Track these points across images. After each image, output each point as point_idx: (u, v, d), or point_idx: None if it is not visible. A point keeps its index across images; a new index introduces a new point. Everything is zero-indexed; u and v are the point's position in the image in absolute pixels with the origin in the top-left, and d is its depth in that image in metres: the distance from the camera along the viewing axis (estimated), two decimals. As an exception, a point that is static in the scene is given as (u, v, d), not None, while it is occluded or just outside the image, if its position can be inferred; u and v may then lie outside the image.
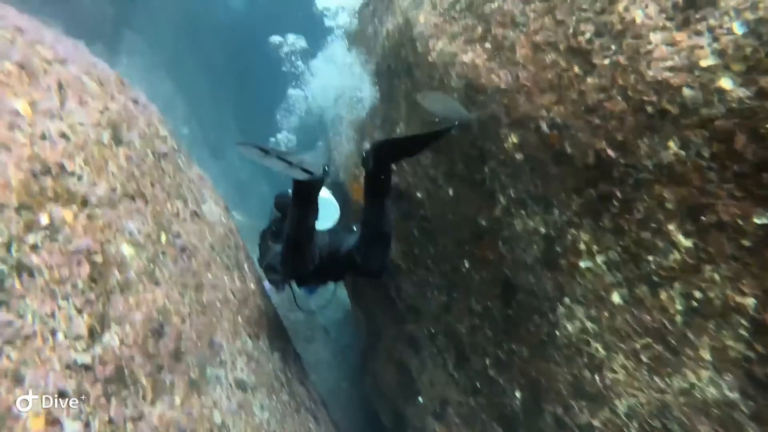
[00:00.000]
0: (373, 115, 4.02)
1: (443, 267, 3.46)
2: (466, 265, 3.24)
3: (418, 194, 3.43)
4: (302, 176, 2.34)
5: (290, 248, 2.79)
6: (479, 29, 2.75)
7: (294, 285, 3.38)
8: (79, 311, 1.81)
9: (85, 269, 1.88)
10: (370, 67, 3.93)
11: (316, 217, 2.69)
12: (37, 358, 1.53)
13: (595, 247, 2.31)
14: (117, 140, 2.37)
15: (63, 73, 2.27)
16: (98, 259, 1.96)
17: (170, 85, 11.91)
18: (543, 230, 2.57)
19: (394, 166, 2.68)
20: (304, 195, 2.55)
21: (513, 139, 2.61)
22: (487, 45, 2.70)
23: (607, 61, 2.13)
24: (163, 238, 2.46)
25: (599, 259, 2.30)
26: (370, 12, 4.24)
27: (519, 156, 2.59)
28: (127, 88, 3.00)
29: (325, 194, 3.16)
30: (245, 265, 3.37)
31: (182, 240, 2.60)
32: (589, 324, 2.39)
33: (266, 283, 3.65)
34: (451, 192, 3.18)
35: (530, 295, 2.75)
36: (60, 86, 2.17)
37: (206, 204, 3.12)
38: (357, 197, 4.13)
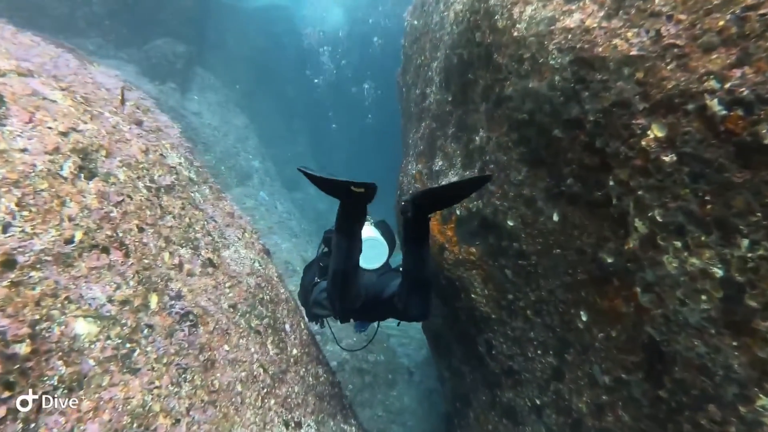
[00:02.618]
0: (442, 123, 3.21)
1: (549, 319, 2.54)
2: (584, 319, 2.30)
3: (510, 222, 2.55)
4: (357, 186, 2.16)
5: (336, 283, 2.55)
6: (589, -23, 1.89)
7: (336, 322, 3.11)
8: (-28, 441, 1.14)
9: (-7, 369, 1.23)
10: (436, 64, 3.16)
11: (360, 251, 2.52)
12: None
13: (835, 304, 1.32)
14: (87, 171, 1.74)
15: (14, 86, 1.70)
16: (22, 348, 1.29)
17: (243, 119, 11.90)
18: (719, 272, 1.60)
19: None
20: (351, 209, 2.34)
21: (656, 131, 1.69)
22: (604, -3, 1.83)
23: None
24: (153, 302, 1.78)
25: None
26: (434, -1, 3.50)
27: (669, 157, 1.66)
28: (133, 109, 2.43)
29: (373, 234, 2.83)
30: (287, 324, 2.64)
31: (184, 302, 1.92)
32: (830, 436, 1.38)
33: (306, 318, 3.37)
34: (556, 217, 2.28)
35: (698, 372, 1.77)
36: (0, 101, 1.58)
37: (231, 248, 2.45)
38: (434, 233, 3.31)
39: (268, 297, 2.55)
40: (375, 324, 3.24)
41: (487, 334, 3.06)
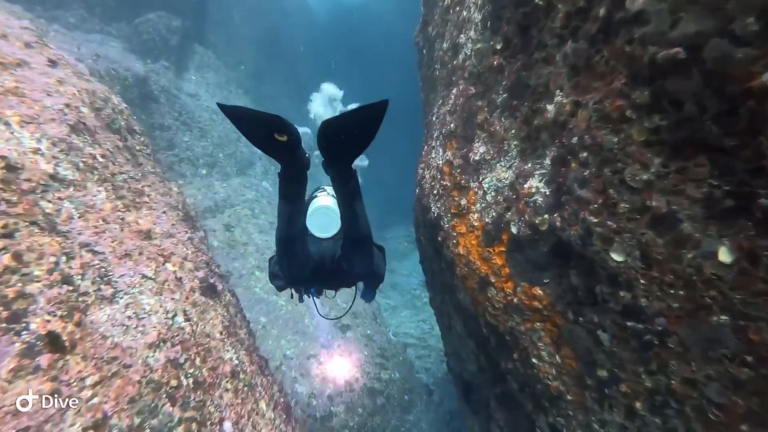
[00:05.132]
0: (486, 86, 2.08)
1: (682, 425, 1.43)
2: (770, 447, 1.19)
3: (617, 256, 1.43)
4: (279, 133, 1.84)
5: (282, 251, 2.43)
6: None
7: (311, 293, 3.04)
8: None
9: None
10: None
11: (303, 215, 2.53)
12: None
13: None
14: None
15: None
16: None
17: (246, 102, 10.83)
18: None
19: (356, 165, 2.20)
20: (290, 171, 2.05)
21: None
22: None
23: None
24: None
25: None
26: None
27: None
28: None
29: (329, 202, 2.72)
30: (227, 422, 1.57)
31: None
32: None
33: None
34: (726, 256, 1.15)
35: None
36: None
37: (120, 301, 1.37)
38: (473, 258, 2.22)
39: (190, 381, 1.48)
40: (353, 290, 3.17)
41: (555, 418, 1.96)
